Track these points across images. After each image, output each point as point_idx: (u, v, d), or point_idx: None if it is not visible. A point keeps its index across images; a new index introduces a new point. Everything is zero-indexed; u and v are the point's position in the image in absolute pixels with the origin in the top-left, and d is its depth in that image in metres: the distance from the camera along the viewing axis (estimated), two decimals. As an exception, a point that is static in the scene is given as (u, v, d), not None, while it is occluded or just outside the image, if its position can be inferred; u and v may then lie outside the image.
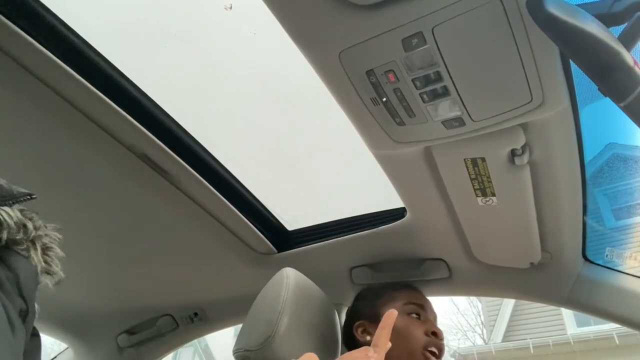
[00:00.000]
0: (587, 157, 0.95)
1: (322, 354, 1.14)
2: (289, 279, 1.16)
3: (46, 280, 0.58)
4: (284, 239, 1.44)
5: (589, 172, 0.99)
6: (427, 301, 1.21)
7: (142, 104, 1.09)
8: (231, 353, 1.14)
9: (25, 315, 0.49)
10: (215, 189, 1.24)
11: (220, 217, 1.32)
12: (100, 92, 0.99)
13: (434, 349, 1.08)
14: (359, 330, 1.20)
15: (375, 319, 1.10)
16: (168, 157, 1.14)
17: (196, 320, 1.70)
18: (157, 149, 1.12)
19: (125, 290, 1.65)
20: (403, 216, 1.21)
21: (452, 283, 1.32)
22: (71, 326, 1.76)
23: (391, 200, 1.21)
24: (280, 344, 1.05)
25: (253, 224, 1.37)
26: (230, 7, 0.84)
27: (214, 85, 1.17)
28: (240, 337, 1.14)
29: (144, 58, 1.05)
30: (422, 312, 1.15)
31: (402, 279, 1.33)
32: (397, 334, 0.97)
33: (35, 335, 0.55)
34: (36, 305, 0.55)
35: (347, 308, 1.50)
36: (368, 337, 1.16)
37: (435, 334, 1.10)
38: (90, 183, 1.20)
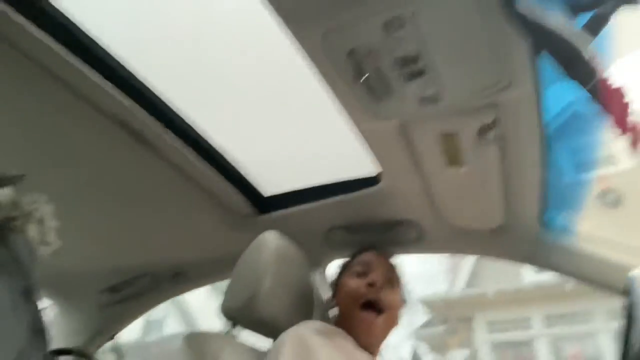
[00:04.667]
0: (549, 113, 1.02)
1: (298, 312, 1.23)
2: (270, 241, 1.22)
3: (42, 250, 0.61)
4: (262, 203, 1.49)
5: (550, 129, 1.07)
6: (375, 257, 1.27)
7: (118, 70, 1.08)
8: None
9: (29, 293, 0.52)
10: (197, 153, 1.27)
11: (200, 179, 1.35)
12: (78, 59, 0.98)
13: (369, 298, 1.16)
14: (330, 302, 1.31)
15: (335, 287, 1.29)
16: (147, 123, 1.15)
17: (176, 279, 1.75)
18: (136, 114, 1.13)
19: (107, 250, 1.69)
20: (378, 182, 1.28)
21: (424, 243, 1.41)
22: (53, 284, 1.79)
23: (368, 165, 1.27)
24: (263, 302, 1.13)
25: (234, 187, 1.41)
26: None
27: (193, 52, 1.17)
28: (225, 296, 1.21)
29: (120, 24, 1.04)
30: (367, 270, 1.22)
31: (376, 240, 1.41)
32: (342, 291, 1.22)
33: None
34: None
35: (324, 267, 1.59)
36: (333, 303, 1.28)
37: (371, 285, 1.17)
38: (69, 149, 1.21)
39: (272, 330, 1.16)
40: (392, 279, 1.23)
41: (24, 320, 0.49)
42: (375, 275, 1.19)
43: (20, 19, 0.89)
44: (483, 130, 0.94)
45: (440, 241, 1.44)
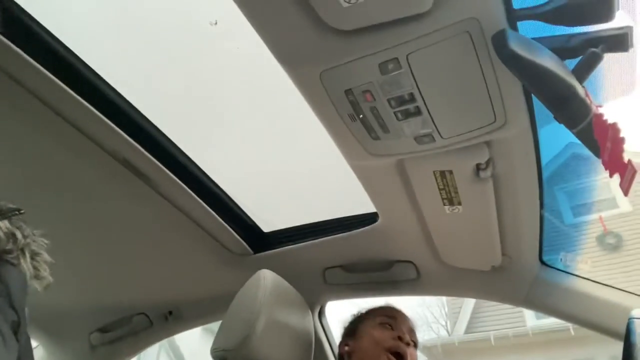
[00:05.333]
0: (547, 156, 1.03)
1: (296, 353, 1.20)
2: (266, 280, 1.20)
3: (35, 285, 0.60)
4: (259, 241, 1.48)
5: (548, 171, 1.08)
6: (400, 314, 1.32)
7: (122, 109, 1.10)
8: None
9: (17, 325, 0.51)
10: (193, 191, 1.27)
11: (197, 219, 1.35)
12: (82, 98, 1.00)
13: (397, 350, 1.21)
14: (342, 346, 1.33)
15: (353, 334, 1.30)
16: (148, 161, 1.16)
17: (171, 319, 1.72)
18: (138, 153, 1.14)
19: (100, 289, 1.66)
20: (375, 221, 1.27)
21: (420, 284, 1.40)
22: (42, 324, 1.75)
23: (363, 205, 1.27)
24: (258, 343, 1.10)
25: (229, 225, 1.40)
26: (215, 23, 0.87)
27: (194, 92, 1.19)
28: (218, 336, 1.18)
29: (126, 66, 1.07)
30: (393, 323, 1.27)
31: (373, 280, 1.40)
32: (365, 340, 1.25)
33: (27, 339, 0.57)
34: (27, 310, 0.58)
35: (320, 307, 1.56)
36: (347, 347, 1.31)
37: (400, 339, 1.22)
38: (69, 185, 1.21)
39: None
40: (415, 338, 1.29)
41: (13, 355, 0.47)
42: (403, 331, 1.25)
43: (25, 57, 0.91)
44: (479, 169, 0.95)
45: (437, 282, 1.42)
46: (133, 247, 1.47)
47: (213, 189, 1.37)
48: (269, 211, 1.50)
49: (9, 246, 0.54)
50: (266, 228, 1.51)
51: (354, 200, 1.33)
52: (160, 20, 0.98)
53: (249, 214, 1.47)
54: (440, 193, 1.04)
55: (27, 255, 0.57)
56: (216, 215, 1.36)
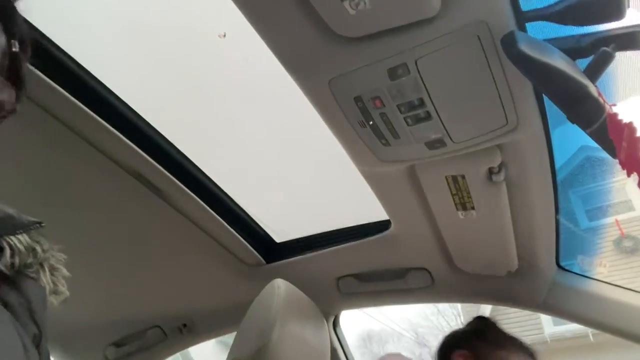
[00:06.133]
0: (560, 159, 1.01)
1: (312, 362, 1.19)
2: (280, 289, 1.20)
3: (52, 300, 0.60)
4: (272, 251, 1.48)
5: (563, 174, 1.07)
6: None
7: (134, 123, 1.12)
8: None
9: (39, 339, 0.51)
10: (204, 202, 1.27)
11: (208, 230, 1.35)
12: (95, 114, 1.02)
13: None
14: (460, 357, 1.18)
15: (480, 349, 1.15)
16: (160, 174, 1.17)
17: (185, 332, 1.72)
18: (150, 167, 1.15)
19: (113, 302, 1.67)
20: (387, 228, 1.27)
21: (435, 291, 1.38)
22: (57, 338, 1.75)
23: (375, 212, 1.27)
24: (273, 353, 1.09)
25: (241, 236, 1.40)
26: (224, 35, 0.88)
27: (205, 104, 1.20)
28: (233, 348, 1.17)
29: (137, 79, 1.09)
30: None
31: (387, 289, 1.39)
32: None
33: (47, 353, 0.57)
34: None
35: (334, 317, 1.55)
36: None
37: None
38: (84, 200, 1.22)
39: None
40: None
41: None
42: None
43: (41, 76, 0.93)
44: (491, 173, 0.94)
45: (451, 289, 1.40)
46: (146, 260, 1.47)
47: (224, 200, 1.37)
48: (280, 221, 1.50)
49: (29, 260, 0.54)
50: (278, 238, 1.50)
51: (366, 208, 1.33)
52: (169, 33, 0.99)
53: (260, 224, 1.47)
54: (453, 198, 1.03)
55: (47, 269, 0.57)
56: (228, 227, 1.36)
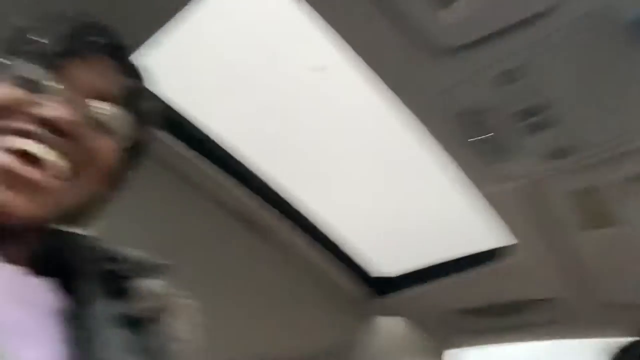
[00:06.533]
0: None
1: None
2: (391, 329, 1.14)
3: (185, 348, 0.60)
4: (382, 284, 1.42)
5: None
6: None
7: (235, 163, 1.15)
8: None
9: None
10: (311, 239, 1.27)
11: (314, 265, 1.34)
12: (211, 163, 1.07)
13: None
14: None
15: None
16: (264, 212, 1.19)
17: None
18: (253, 205, 1.17)
19: (220, 344, 1.68)
20: (507, 254, 1.15)
21: (559, 326, 1.22)
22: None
23: (491, 239, 1.17)
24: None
25: (350, 270, 1.37)
26: (323, 69, 0.89)
27: (307, 139, 1.21)
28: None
29: (238, 121, 1.13)
30: None
31: (507, 324, 1.26)
32: None
33: None
34: None
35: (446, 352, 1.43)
36: None
37: None
38: (190, 242, 1.26)
39: None
40: None
41: None
42: None
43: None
44: (632, 181, 0.82)
45: (581, 322, 1.22)
46: (248, 298, 1.48)
47: (328, 234, 1.35)
48: (388, 254, 1.45)
49: (163, 304, 0.53)
50: (388, 271, 1.44)
51: (479, 235, 1.24)
52: (265, 72, 1.02)
53: (369, 258, 1.42)
54: (587, 215, 0.92)
55: (179, 315, 0.55)
56: (334, 259, 1.34)
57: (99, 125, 0.48)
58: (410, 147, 1.03)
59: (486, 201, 0.95)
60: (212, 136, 1.10)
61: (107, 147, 0.49)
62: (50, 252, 0.52)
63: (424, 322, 1.22)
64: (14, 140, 0.42)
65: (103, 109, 0.49)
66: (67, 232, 0.57)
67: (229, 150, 1.12)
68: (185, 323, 0.60)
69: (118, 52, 0.52)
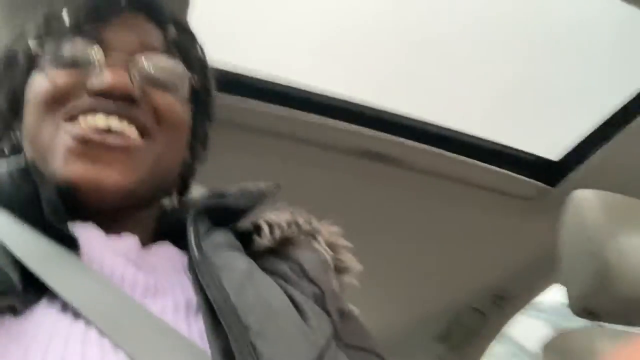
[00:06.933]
0: None
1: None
2: (587, 200, 0.93)
3: (347, 279, 0.54)
4: (554, 172, 1.21)
5: None
6: None
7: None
8: None
9: (322, 299, 0.45)
10: (450, 152, 1.13)
11: (470, 180, 1.18)
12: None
13: None
14: None
15: None
16: (389, 143, 1.08)
17: (501, 303, 1.53)
18: (376, 139, 1.08)
19: (419, 299, 1.61)
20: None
21: None
22: (388, 350, 1.77)
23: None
24: (619, 273, 0.83)
25: (510, 171, 1.19)
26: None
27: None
28: (566, 289, 0.94)
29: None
30: None
31: None
32: None
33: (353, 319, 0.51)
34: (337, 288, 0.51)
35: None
36: None
37: None
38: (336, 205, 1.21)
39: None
40: None
41: (325, 326, 0.42)
42: None
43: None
44: None
45: None
46: (426, 241, 1.37)
47: (467, 141, 1.19)
48: (549, 136, 1.23)
49: (294, 232, 0.50)
50: (557, 156, 1.22)
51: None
52: None
53: (524, 150, 1.22)
54: None
55: (320, 239, 0.53)
56: (491, 166, 1.18)
57: (154, 82, 0.46)
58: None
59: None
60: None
61: (169, 102, 0.47)
62: (164, 223, 0.52)
63: (626, 186, 1.00)
64: (83, 120, 0.42)
65: (152, 64, 0.47)
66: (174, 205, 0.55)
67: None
68: (335, 249, 0.54)
69: (150, 5, 0.50)
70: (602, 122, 1.10)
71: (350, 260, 0.55)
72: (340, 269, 0.54)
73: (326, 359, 0.38)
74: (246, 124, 1.05)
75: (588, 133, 1.12)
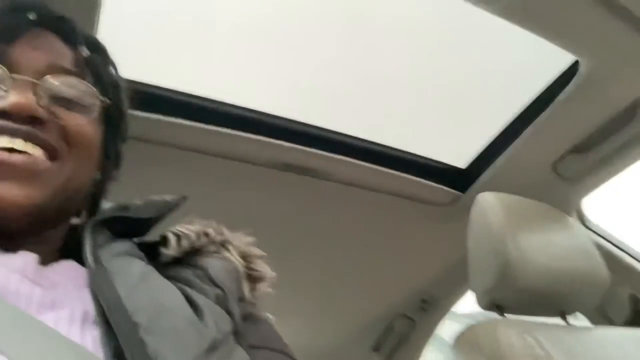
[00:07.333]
0: None
1: (571, 265, 0.95)
2: (490, 202, 1.00)
3: (263, 288, 0.55)
4: (462, 178, 1.29)
5: None
6: None
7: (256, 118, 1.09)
8: None
9: (224, 299, 0.46)
10: (365, 162, 1.17)
11: (388, 188, 1.24)
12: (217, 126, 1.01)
13: None
14: None
15: None
16: (307, 154, 1.11)
17: (427, 307, 1.59)
18: (294, 151, 1.10)
19: (348, 310, 1.64)
20: (577, 70, 0.98)
21: None
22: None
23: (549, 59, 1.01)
24: (518, 267, 0.90)
25: (424, 179, 1.25)
26: None
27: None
28: (474, 285, 1.00)
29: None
30: None
31: (621, 142, 1.07)
32: None
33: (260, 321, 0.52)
34: (247, 295, 0.52)
35: (575, 211, 1.26)
36: None
37: None
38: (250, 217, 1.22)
39: (545, 303, 0.92)
40: None
41: (225, 324, 0.44)
42: None
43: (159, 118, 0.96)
44: None
45: None
46: (348, 252, 1.41)
47: (389, 153, 1.24)
48: (455, 145, 1.31)
49: (202, 242, 0.51)
50: (464, 163, 1.30)
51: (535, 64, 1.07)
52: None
53: (436, 159, 1.30)
54: None
55: (231, 249, 0.53)
56: (406, 175, 1.23)
57: (63, 103, 0.46)
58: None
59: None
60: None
61: (79, 124, 0.47)
62: (71, 242, 0.50)
63: (528, 189, 1.08)
64: None
65: (60, 84, 0.46)
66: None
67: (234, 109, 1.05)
68: (247, 257, 0.55)
69: (59, 23, 0.49)
70: (502, 130, 1.19)
71: (264, 268, 0.56)
72: (254, 278, 0.55)
73: (220, 351, 0.39)
74: (163, 139, 1.04)
75: (490, 141, 1.21)
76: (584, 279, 0.96)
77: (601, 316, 1.26)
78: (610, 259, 1.19)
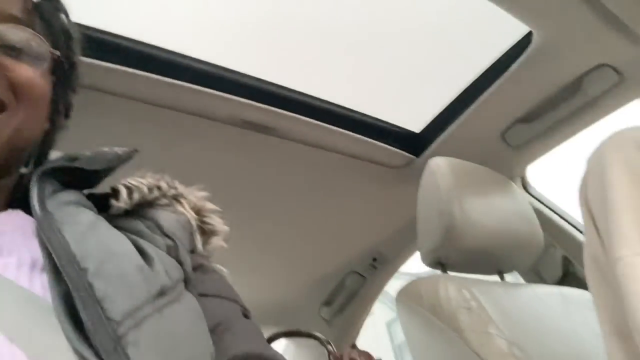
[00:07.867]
0: None
1: (511, 228, 1.02)
2: (440, 167, 1.05)
3: (217, 242, 0.56)
4: (416, 143, 1.33)
5: None
6: None
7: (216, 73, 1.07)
8: None
9: (175, 250, 0.47)
10: (325, 123, 1.18)
11: (344, 149, 1.26)
12: (173, 79, 0.99)
13: None
14: None
15: None
16: (266, 112, 1.11)
17: (378, 265, 1.66)
18: (254, 109, 1.10)
19: (302, 266, 1.69)
20: (529, 42, 1.02)
21: (627, 86, 1.07)
22: (276, 317, 1.84)
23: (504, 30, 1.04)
24: (463, 228, 0.95)
25: (380, 142, 1.28)
26: None
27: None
28: (420, 242, 1.06)
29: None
30: None
31: (564, 114, 1.13)
32: None
33: (211, 271, 0.53)
34: (199, 247, 0.53)
35: (521, 178, 1.33)
36: None
37: None
38: (206, 171, 1.21)
39: (484, 262, 0.98)
40: None
41: (176, 272, 0.44)
42: None
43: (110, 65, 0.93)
44: None
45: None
46: (304, 212, 1.44)
47: (347, 114, 1.26)
48: (410, 110, 1.34)
49: (154, 195, 0.51)
50: (418, 128, 1.34)
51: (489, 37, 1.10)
52: None
53: (392, 122, 1.32)
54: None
55: (183, 202, 0.54)
56: (362, 137, 1.26)
57: (11, 53, 0.44)
58: None
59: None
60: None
61: (28, 75, 0.45)
62: (19, 192, 0.49)
63: (478, 155, 1.13)
64: None
65: (8, 34, 0.44)
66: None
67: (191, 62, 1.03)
68: (201, 212, 0.56)
69: None
70: (455, 97, 1.23)
71: (217, 222, 0.56)
72: (207, 232, 0.55)
73: (169, 296, 0.40)
74: (120, 90, 1.01)
75: (444, 107, 1.25)
76: (520, 241, 1.04)
77: (536, 275, 1.36)
78: (548, 224, 1.28)
